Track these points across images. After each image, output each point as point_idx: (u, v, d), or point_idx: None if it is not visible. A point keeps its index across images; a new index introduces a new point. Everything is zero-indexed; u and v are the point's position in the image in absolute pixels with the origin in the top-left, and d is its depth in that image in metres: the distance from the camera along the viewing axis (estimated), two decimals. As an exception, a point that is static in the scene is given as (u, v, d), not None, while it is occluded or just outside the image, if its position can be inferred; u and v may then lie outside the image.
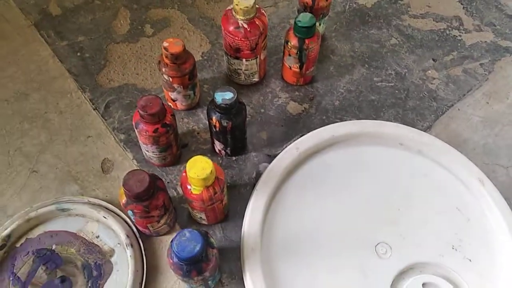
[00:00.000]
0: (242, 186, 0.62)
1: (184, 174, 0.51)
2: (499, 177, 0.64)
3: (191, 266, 0.46)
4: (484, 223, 0.56)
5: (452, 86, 0.73)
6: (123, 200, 0.50)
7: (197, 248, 0.44)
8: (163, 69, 0.61)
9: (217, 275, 0.52)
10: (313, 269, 0.53)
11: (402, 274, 0.53)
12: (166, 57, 0.59)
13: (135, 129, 0.57)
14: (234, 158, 0.65)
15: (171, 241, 0.45)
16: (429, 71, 0.75)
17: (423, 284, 0.52)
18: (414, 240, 0.55)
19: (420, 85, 0.73)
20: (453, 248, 0.55)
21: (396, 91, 0.72)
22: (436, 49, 0.78)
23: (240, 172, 0.64)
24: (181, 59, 0.60)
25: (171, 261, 0.46)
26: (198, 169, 0.48)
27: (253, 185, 0.59)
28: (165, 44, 0.59)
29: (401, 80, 0.73)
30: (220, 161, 0.65)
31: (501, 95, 0.73)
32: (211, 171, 0.48)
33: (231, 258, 0.56)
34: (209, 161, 0.49)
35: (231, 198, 0.61)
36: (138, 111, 0.54)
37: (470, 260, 0.54)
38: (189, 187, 0.51)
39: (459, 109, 0.71)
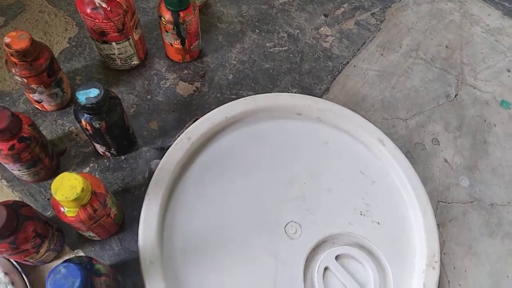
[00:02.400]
0: (136, 188, 0.56)
1: (53, 196, 0.43)
2: (399, 130, 0.64)
3: (75, 303, 0.39)
4: (388, 183, 0.56)
5: (346, 41, 0.70)
6: (-18, 239, 0.42)
7: (76, 284, 0.38)
8: (13, 70, 0.51)
9: (117, 298, 0.46)
10: (224, 267, 0.49)
11: (315, 250, 0.52)
12: (12, 55, 0.49)
13: (-13, 149, 0.47)
14: (123, 157, 0.58)
15: (46, 279, 0.38)
16: (322, 29, 0.71)
17: (337, 257, 0.51)
18: (322, 213, 0.53)
19: (314, 45, 0.69)
20: (361, 214, 0.54)
21: (291, 55, 0.68)
22: (326, 3, 0.74)
23: (132, 172, 0.57)
24: (31, 55, 0.50)
25: (52, 301, 0.40)
26: (66, 189, 0.41)
27: (147, 186, 0.53)
28: (6, 40, 0.48)
29: (295, 42, 0.69)
30: (107, 164, 0.57)
31: (394, 45, 0.72)
32: (83, 188, 0.41)
33: (135, 271, 0.51)
34: (79, 176, 0.42)
35: (125, 203, 0.55)
36: (-16, 129, 0.45)
37: (378, 223, 0.54)
38: (62, 209, 0.43)
39: (354, 66, 0.69)
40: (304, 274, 0.50)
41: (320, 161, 0.56)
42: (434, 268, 0.51)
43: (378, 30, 0.72)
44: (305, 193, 0.54)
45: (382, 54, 0.70)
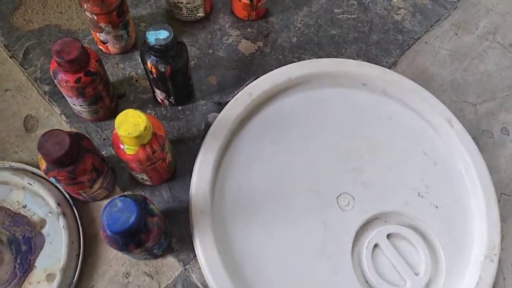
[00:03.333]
0: (190, 140, 0.55)
1: (114, 131, 0.43)
2: (467, 115, 0.60)
3: (127, 239, 0.39)
4: (451, 167, 0.53)
5: (419, 16, 0.66)
6: (43, 166, 0.43)
7: (132, 219, 0.37)
8: (85, 5, 0.51)
9: (164, 242, 0.46)
10: (270, 228, 0.48)
11: (366, 225, 0.50)
12: (86, -11, 0.49)
13: (54, 80, 0.47)
14: (180, 107, 0.57)
15: (102, 211, 0.38)
16: (395, 0, 0.67)
17: (388, 235, 0.49)
18: (378, 188, 0.51)
19: (385, 16, 0.66)
20: (419, 195, 0.51)
21: (359, 24, 0.65)
22: (402, -25, 0.69)
23: (188, 124, 0.56)
24: (104, -9, 0.49)
25: (104, 234, 0.40)
26: (129, 125, 0.41)
27: (202, 138, 0.53)
28: (83, -28, 0.48)
29: (364, 12, 0.66)
30: (164, 112, 0.57)
31: (470, 25, 0.67)
32: (146, 127, 0.41)
33: (181, 220, 0.51)
34: (143, 115, 0.41)
35: (178, 153, 0.54)
36: (54, 58, 0.45)
37: (436, 207, 0.51)
38: (122, 146, 0.43)
39: (426, 42, 0.65)
40: (352, 247, 0.48)
41: (381, 136, 0.54)
42: (492, 260, 0.48)
43: (455, 8, 0.68)
44: (362, 166, 0.52)
45: (456, 34, 0.66)
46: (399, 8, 0.67)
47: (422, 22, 0.66)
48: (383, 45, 0.63)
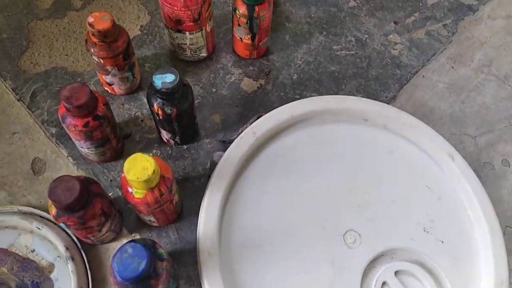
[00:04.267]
0: (196, 178, 0.56)
1: (123, 175, 0.44)
2: (467, 147, 0.61)
3: (137, 285, 0.39)
4: (455, 200, 0.53)
5: (416, 50, 0.68)
6: (53, 211, 0.43)
7: (142, 265, 0.38)
8: (92, 49, 0.52)
9: (172, 285, 0.46)
10: (279, 268, 0.48)
11: (373, 262, 0.50)
12: (93, 35, 0.50)
13: (62, 124, 0.48)
14: (185, 146, 0.58)
15: (112, 257, 0.38)
16: (391, 36, 0.69)
17: (396, 272, 0.49)
18: (384, 224, 0.51)
19: (382, 51, 0.67)
20: (424, 230, 0.52)
21: (358, 60, 0.66)
22: (397, 11, 0.72)
23: (193, 162, 0.57)
24: (111, 37, 0.51)
25: (115, 280, 0.40)
26: (138, 169, 0.41)
27: (208, 177, 0.53)
28: (90, 19, 0.49)
29: (362, 47, 0.68)
30: (170, 151, 0.57)
31: (466, 58, 0.69)
32: (154, 170, 0.41)
33: (188, 262, 0.51)
34: (151, 159, 0.42)
35: (184, 192, 0.55)
36: (62, 103, 0.46)
37: (442, 242, 0.51)
38: (130, 190, 0.44)
39: (423, 76, 0.66)
40: (361, 286, 0.48)
41: (384, 171, 0.55)
42: (501, 295, 0.48)
43: (450, 42, 0.70)
44: (367, 202, 0.52)
45: (452, 67, 0.68)
46: (396, 43, 0.69)
47: (419, 56, 0.68)
48: (382, 80, 0.65)
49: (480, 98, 0.65)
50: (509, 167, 0.60)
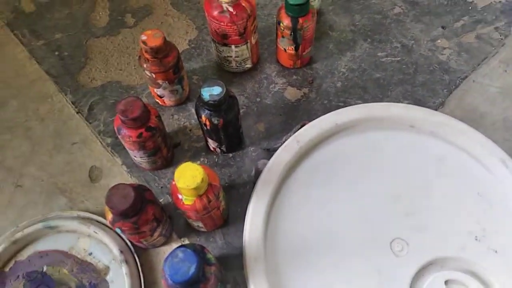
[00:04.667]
0: (241, 186, 0.57)
1: (173, 183, 0.46)
2: (523, 153, 0.58)
3: None
4: (509, 208, 0.51)
5: (465, 55, 0.66)
6: (109, 217, 0.46)
7: (192, 270, 0.39)
8: (145, 65, 0.55)
9: (220, 289, 0.48)
10: (324, 275, 0.49)
11: (421, 271, 0.49)
12: (146, 51, 0.53)
13: (118, 135, 0.51)
14: (230, 155, 0.60)
15: (164, 261, 0.41)
16: (439, 41, 0.68)
17: (446, 282, 0.48)
18: (432, 232, 0.50)
19: (430, 57, 0.66)
20: (476, 239, 0.50)
21: (404, 66, 0.66)
22: (445, 15, 0.70)
23: (238, 170, 0.59)
24: (162, 53, 0.54)
25: (166, 283, 0.42)
26: (188, 178, 0.43)
27: (252, 184, 0.55)
28: (143, 37, 0.53)
29: (408, 53, 0.67)
30: (216, 159, 0.59)
31: (520, 61, 0.66)
32: (202, 179, 0.43)
33: (235, 266, 0.52)
34: (200, 168, 0.44)
35: (230, 199, 0.56)
36: (118, 116, 0.49)
37: (495, 251, 0.49)
38: (180, 197, 0.46)
39: (474, 81, 0.64)
40: (408, 294, 0.47)
41: (432, 178, 0.53)
42: (562, 310, 0.45)
43: (502, 45, 0.67)
44: (414, 210, 0.52)
45: (505, 71, 0.65)
46: (444, 48, 0.67)
47: (469, 61, 0.66)
48: (430, 86, 0.64)
49: (536, 102, 0.62)
50: None
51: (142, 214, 0.45)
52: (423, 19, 0.70)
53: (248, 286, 0.48)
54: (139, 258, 0.53)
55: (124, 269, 0.51)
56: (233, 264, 0.52)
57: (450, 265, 0.49)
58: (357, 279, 0.48)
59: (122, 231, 0.46)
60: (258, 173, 0.55)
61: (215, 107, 0.50)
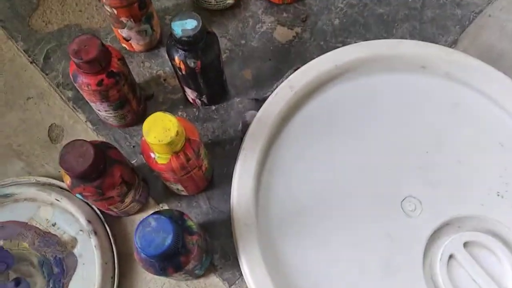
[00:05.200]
0: (227, 142, 0.50)
1: (143, 138, 0.38)
2: (546, 96, 0.51)
3: (164, 262, 0.34)
4: (536, 159, 0.45)
5: (480, -14, 0.58)
6: (67, 181, 0.38)
7: (168, 241, 0.32)
8: (104, -1, 0.46)
9: (206, 261, 0.41)
10: (325, 240, 0.42)
11: (436, 233, 0.43)
12: (104, -19, 0.43)
13: (74, 83, 0.42)
14: (213, 107, 0.51)
15: (135, 231, 0.33)
16: (449, -30, 0.59)
17: (465, 244, 0.42)
18: (448, 189, 0.44)
19: (440, -12, 0.57)
20: (498, 195, 0.43)
21: (410, 0, 0.57)
22: None
23: (223, 124, 0.51)
24: (124, -18, 0.44)
25: (139, 257, 0.35)
26: (159, 131, 0.35)
27: (240, 140, 0.47)
28: (99, -38, 0.43)
29: (415, -15, 0.58)
30: (196, 113, 0.51)
31: (541, -8, 0.58)
32: (177, 132, 0.35)
33: (223, 234, 0.45)
34: (173, 118, 0.36)
35: (215, 158, 0.49)
36: (72, 59, 0.40)
37: (520, 208, 0.43)
38: (152, 155, 0.38)
39: (490, 15, 0.56)
40: (423, 260, 0.41)
41: (447, 127, 0.46)
42: None
43: (521, -26, 0.59)
44: (428, 164, 0.45)
45: (525, 3, 0.57)
46: (455, -22, 0.58)
47: (484, -8, 0.57)
48: (440, 22, 0.55)
49: (560, 38, 0.55)
50: None
51: (107, 177, 0.37)
52: None
53: (238, 256, 0.41)
54: (111, 228, 0.46)
55: (93, 240, 0.44)
56: (221, 231, 0.45)
57: (469, 225, 0.43)
58: (364, 245, 0.42)
59: (84, 197, 0.38)
60: (246, 126, 0.47)
61: (191, 45, 0.41)
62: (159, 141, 0.35)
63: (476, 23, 0.56)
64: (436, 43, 0.54)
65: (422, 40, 0.54)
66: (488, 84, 0.47)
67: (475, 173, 0.44)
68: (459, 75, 0.47)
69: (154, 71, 0.53)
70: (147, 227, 0.33)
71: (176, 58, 0.42)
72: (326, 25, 0.56)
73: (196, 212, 0.47)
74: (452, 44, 0.54)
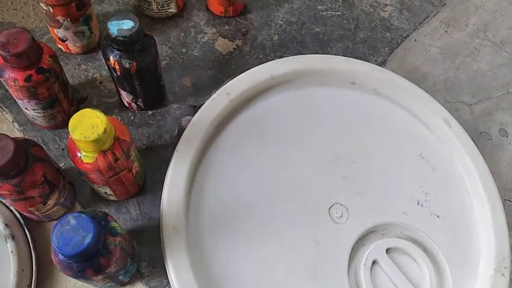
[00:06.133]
0: (162, 148, 0.49)
1: (70, 137, 0.37)
2: (463, 115, 0.56)
3: (83, 264, 0.33)
4: (452, 171, 0.48)
5: (407, 13, 0.62)
6: (-17, 178, 0.36)
7: (88, 239, 0.31)
8: (38, -5, 0.44)
9: (131, 267, 0.40)
10: (254, 246, 0.42)
11: (362, 240, 0.44)
12: (39, -24, 0.42)
13: (0, 78, 0.41)
14: (149, 112, 0.51)
15: (52, 230, 0.32)
16: (381, -3, 0.63)
17: (387, 250, 0.43)
18: (373, 197, 0.46)
19: (371, 13, 0.61)
20: (418, 204, 0.46)
21: (344, 21, 0.60)
22: (387, -29, 0.66)
23: (159, 130, 0.50)
24: (60, -21, 0.43)
25: (56, 258, 0.33)
26: (86, 128, 0.34)
27: (175, 145, 0.46)
28: (34, -43, 0.42)
29: (349, 8, 0.61)
30: (132, 117, 0.50)
31: (460, 23, 0.63)
32: (105, 129, 0.34)
33: (152, 241, 0.44)
34: (102, 115, 0.35)
35: (148, 163, 0.48)
36: (-2, 53, 0.38)
37: (438, 216, 0.46)
38: (78, 154, 0.37)
39: (415, 40, 0.61)
40: (348, 265, 0.43)
41: (374, 139, 0.49)
42: (503, 274, 0.43)
43: (443, 5, 0.64)
44: (355, 173, 0.47)
45: (446, 31, 0.62)
46: (386, 5, 0.63)
47: (410, 19, 0.62)
48: (371, 43, 0.59)
49: (475, 64, 0.60)
50: (507, 137, 0.55)
51: (27, 174, 0.36)
52: (365, -26, 0.65)
53: (165, 261, 0.40)
54: (32, 233, 0.43)
55: (9, 245, 0.41)
56: (150, 238, 0.44)
57: (392, 232, 0.45)
58: (292, 250, 0.42)
59: (2, 196, 0.36)
60: (181, 131, 0.47)
61: (126, 45, 0.40)
62: (85, 137, 0.34)
63: (403, 46, 0.60)
64: (367, 62, 0.57)
65: (355, 59, 0.57)
66: (412, 101, 0.50)
67: (398, 183, 0.47)
68: (386, 91, 0.51)
69: (90, 74, 0.52)
70: (65, 225, 0.31)
71: (111, 58, 0.42)
72: (266, 40, 0.57)
73: (125, 218, 0.45)
74: (382, 64, 0.58)
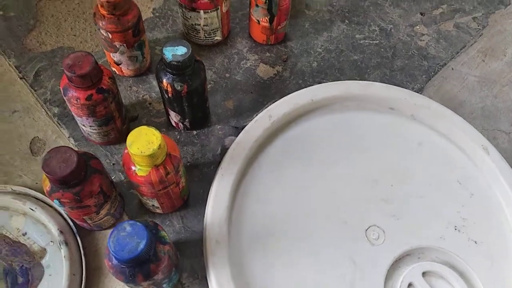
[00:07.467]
0: (205, 166, 0.52)
1: (126, 151, 0.40)
2: (501, 144, 0.56)
3: (135, 269, 0.35)
4: (490, 197, 0.48)
5: (444, 42, 0.64)
6: (47, 186, 0.39)
7: (141, 245, 0.33)
8: (100, 23, 0.49)
9: (174, 276, 0.42)
10: (293, 263, 0.43)
11: (398, 262, 0.45)
12: (102, 6, 0.47)
13: (64, 97, 0.45)
14: (194, 132, 0.54)
15: (109, 236, 0.34)
16: (417, 27, 0.65)
17: (423, 273, 0.44)
18: (410, 221, 0.46)
19: (408, 42, 0.63)
20: (455, 229, 0.46)
21: (382, 50, 0.62)
22: (423, 2, 0.68)
23: (203, 149, 0.53)
24: (121, 9, 0.47)
25: (110, 263, 0.36)
26: (143, 143, 0.37)
27: (218, 164, 0.49)
28: (100, -11, 0.46)
29: (387, 37, 0.64)
30: (178, 136, 0.53)
31: (497, 52, 0.64)
32: (160, 145, 0.37)
33: (193, 254, 0.46)
34: (157, 132, 0.38)
35: (192, 180, 0.50)
36: (64, 73, 0.42)
37: (475, 242, 0.46)
38: (133, 168, 0.40)
39: (453, 68, 0.62)
40: (384, 286, 0.43)
41: (411, 164, 0.50)
42: (544, 303, 0.42)
43: (480, 35, 0.65)
44: (392, 197, 0.48)
45: (483, 60, 0.63)
46: (423, 35, 0.64)
47: (447, 49, 0.63)
48: (408, 71, 0.61)
49: (513, 94, 0.60)
50: (547, 166, 0.55)
51: (86, 184, 0.39)
52: (402, 4, 0.67)
53: (207, 272, 0.42)
54: (83, 240, 0.46)
55: (63, 251, 0.44)
56: (192, 251, 0.46)
57: (428, 256, 0.45)
58: (330, 269, 0.43)
59: (62, 204, 0.39)
60: (224, 151, 0.49)
61: (179, 70, 0.44)
62: (141, 152, 0.37)
63: (440, 74, 0.61)
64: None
65: (391, 86, 0.58)
66: (450, 127, 0.51)
67: (435, 208, 0.47)
68: (424, 117, 0.52)
69: (141, 95, 0.56)
70: (122, 231, 0.34)
71: (164, 81, 0.45)
72: (305, 66, 0.60)
73: (169, 231, 0.48)
74: (419, 91, 0.59)
